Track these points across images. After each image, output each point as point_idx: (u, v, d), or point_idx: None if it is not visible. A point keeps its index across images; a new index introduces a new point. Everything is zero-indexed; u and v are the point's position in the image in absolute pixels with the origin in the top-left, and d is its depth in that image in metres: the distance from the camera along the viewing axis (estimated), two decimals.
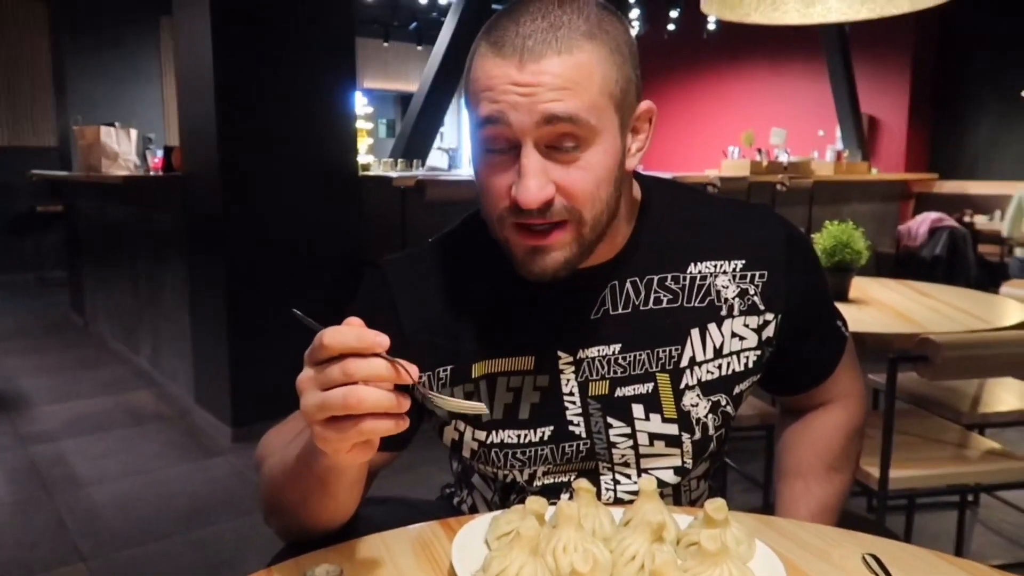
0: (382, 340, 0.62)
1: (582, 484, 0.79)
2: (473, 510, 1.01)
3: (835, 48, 6.54)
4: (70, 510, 2.65)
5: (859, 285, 2.38)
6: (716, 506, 0.74)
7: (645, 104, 0.83)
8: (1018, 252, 4.99)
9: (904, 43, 6.98)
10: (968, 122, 7.06)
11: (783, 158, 6.11)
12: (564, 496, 0.91)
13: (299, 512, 0.79)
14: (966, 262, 5.31)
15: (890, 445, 1.67)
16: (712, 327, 0.89)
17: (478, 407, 0.70)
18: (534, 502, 0.75)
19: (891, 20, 3.79)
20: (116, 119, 4.61)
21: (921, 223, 5.51)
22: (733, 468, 2.74)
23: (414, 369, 0.64)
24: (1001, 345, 1.68)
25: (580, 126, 0.74)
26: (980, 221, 6.02)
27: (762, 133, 6.44)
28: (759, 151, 6.05)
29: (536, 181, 0.74)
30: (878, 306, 2.16)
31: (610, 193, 0.79)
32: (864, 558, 0.75)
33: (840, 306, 2.23)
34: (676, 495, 0.95)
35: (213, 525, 2.54)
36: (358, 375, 0.61)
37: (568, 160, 0.76)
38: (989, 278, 5.24)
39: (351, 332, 0.62)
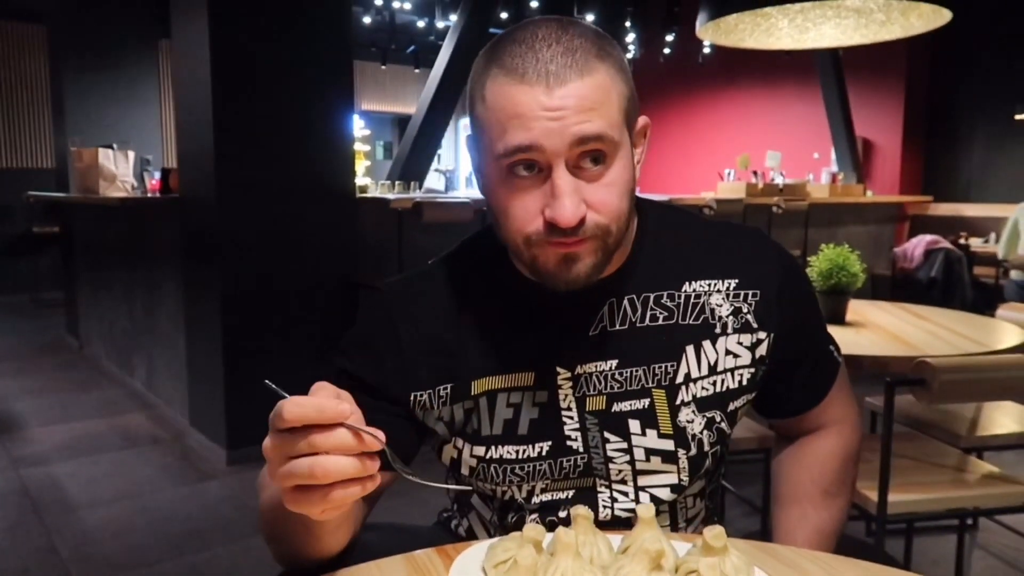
0: (343, 410, 0.61)
1: (580, 511, 0.78)
2: (470, 532, 1.01)
3: (829, 72, 6.60)
4: (61, 534, 2.62)
5: (856, 308, 2.39)
6: (715, 534, 0.73)
7: (643, 119, 0.86)
8: (1014, 275, 5.00)
9: (897, 66, 7.05)
10: (962, 145, 7.12)
11: (778, 180, 6.15)
12: (562, 513, 0.91)
13: (292, 545, 0.79)
14: (962, 284, 5.32)
15: (888, 469, 1.66)
16: (707, 344, 0.91)
17: (463, 489, 0.68)
18: (531, 530, 0.74)
19: (884, 44, 3.83)
20: (114, 141, 4.62)
21: (916, 245, 5.54)
22: (732, 492, 2.73)
23: (380, 435, 0.63)
24: (998, 369, 1.68)
25: (606, 143, 0.77)
26: (975, 243, 6.04)
27: (758, 156, 6.47)
28: (755, 173, 6.09)
29: (571, 200, 0.76)
30: (875, 329, 2.16)
31: (629, 205, 0.83)
32: None
33: (837, 329, 2.21)
34: (672, 513, 0.95)
35: (207, 550, 2.52)
36: (322, 448, 0.60)
37: (594, 177, 0.78)
38: (984, 300, 5.25)
39: (311, 405, 0.60)
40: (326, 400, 0.61)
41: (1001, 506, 1.81)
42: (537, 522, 0.92)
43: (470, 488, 0.83)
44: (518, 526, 0.93)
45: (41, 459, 3.33)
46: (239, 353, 3.27)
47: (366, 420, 0.65)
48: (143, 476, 3.16)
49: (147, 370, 4.24)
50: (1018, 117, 6.20)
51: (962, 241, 5.84)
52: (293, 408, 0.60)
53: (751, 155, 6.22)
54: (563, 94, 0.75)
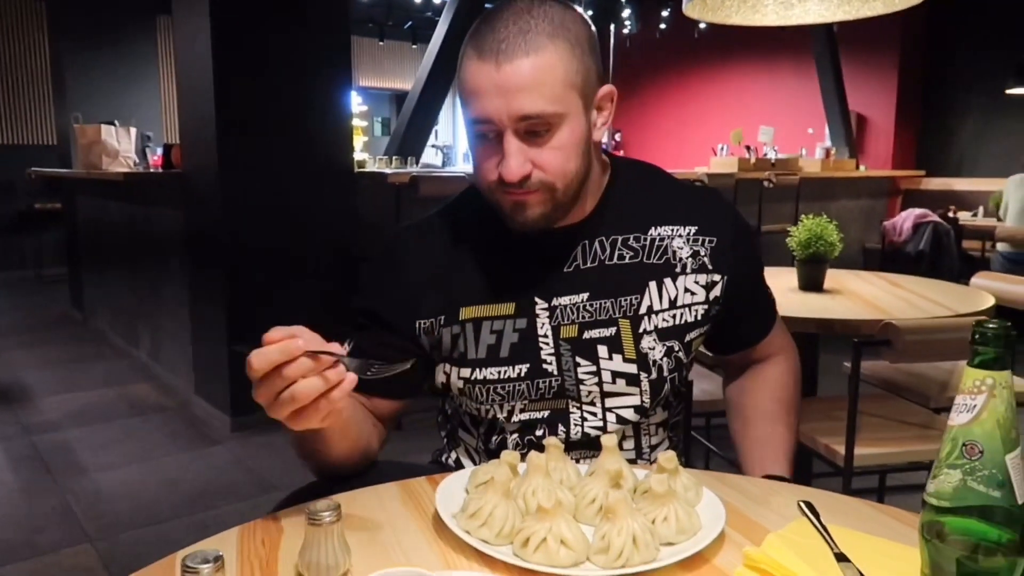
0: (299, 344, 0.74)
1: (551, 441, 0.89)
2: (458, 463, 1.13)
3: (824, 47, 6.64)
4: (75, 495, 2.74)
5: (835, 276, 2.48)
6: (667, 457, 0.84)
7: (606, 88, 0.99)
8: (1000, 247, 5.10)
9: (891, 42, 7.08)
10: (954, 120, 7.17)
11: (771, 155, 6.21)
12: (539, 432, 1.04)
13: (318, 456, 0.94)
14: (950, 257, 5.41)
15: (855, 420, 1.77)
16: (668, 281, 1.05)
17: (402, 366, 0.82)
18: (508, 455, 0.85)
19: (878, 19, 3.88)
20: (114, 117, 4.69)
21: (905, 219, 5.61)
22: (717, 454, 2.84)
23: (335, 347, 0.77)
24: (959, 330, 1.77)
25: (548, 116, 0.91)
26: (963, 217, 6.12)
27: (752, 131, 6.54)
28: (748, 148, 6.15)
29: (516, 160, 0.92)
30: (850, 295, 2.26)
31: (579, 163, 0.96)
32: (799, 504, 0.85)
33: (813, 295, 2.31)
34: (636, 435, 1.08)
35: (214, 509, 2.64)
36: (293, 378, 0.74)
37: (541, 142, 0.93)
38: (972, 272, 5.34)
39: (273, 350, 0.74)
40: (286, 341, 0.74)
41: None
42: (517, 442, 1.05)
43: (408, 365, 0.87)
44: (502, 446, 1.05)
45: (52, 426, 3.44)
46: (242, 324, 3.37)
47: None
48: (151, 442, 3.28)
49: (152, 341, 4.35)
50: (1009, 92, 6.24)
51: (951, 214, 5.91)
52: (260, 358, 0.74)
53: (745, 130, 6.28)
54: (510, 70, 0.88)
